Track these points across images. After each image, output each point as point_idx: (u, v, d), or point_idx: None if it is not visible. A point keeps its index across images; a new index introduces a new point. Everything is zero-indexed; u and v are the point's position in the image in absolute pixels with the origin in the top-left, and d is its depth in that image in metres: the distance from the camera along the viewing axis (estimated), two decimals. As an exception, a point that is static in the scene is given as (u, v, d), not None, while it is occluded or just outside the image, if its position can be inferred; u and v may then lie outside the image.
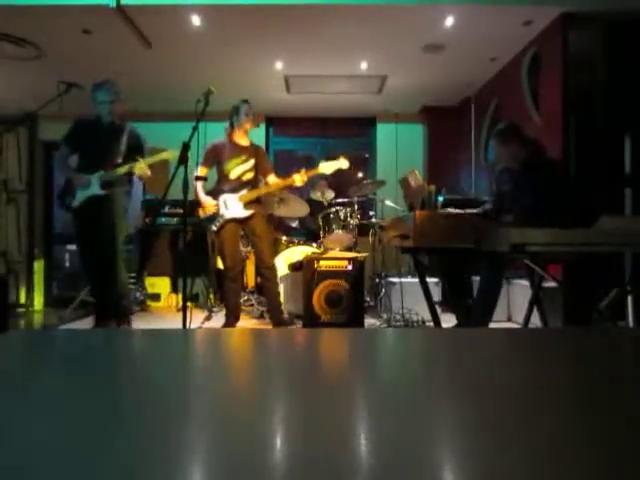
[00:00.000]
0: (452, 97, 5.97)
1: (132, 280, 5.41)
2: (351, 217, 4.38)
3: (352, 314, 3.86)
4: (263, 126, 6.52)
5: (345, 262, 3.90)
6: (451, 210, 2.77)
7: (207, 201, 3.76)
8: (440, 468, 0.49)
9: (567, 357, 1.03)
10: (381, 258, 5.17)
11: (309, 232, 5.14)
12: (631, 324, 2.87)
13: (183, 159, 2.86)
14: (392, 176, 5.24)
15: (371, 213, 5.18)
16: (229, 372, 0.92)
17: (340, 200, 4.85)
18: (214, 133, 4.05)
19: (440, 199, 2.76)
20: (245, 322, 4.41)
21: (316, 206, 4.82)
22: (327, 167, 3.81)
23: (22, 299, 6.12)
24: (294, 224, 5.33)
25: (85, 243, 3.51)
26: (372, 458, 0.51)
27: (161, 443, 0.53)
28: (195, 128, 2.94)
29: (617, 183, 3.59)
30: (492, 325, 3.05)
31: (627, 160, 3.53)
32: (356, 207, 4.50)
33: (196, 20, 4.00)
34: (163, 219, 5.60)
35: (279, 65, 4.96)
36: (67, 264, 5.83)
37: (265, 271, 3.86)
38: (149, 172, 3.42)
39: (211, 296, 5.21)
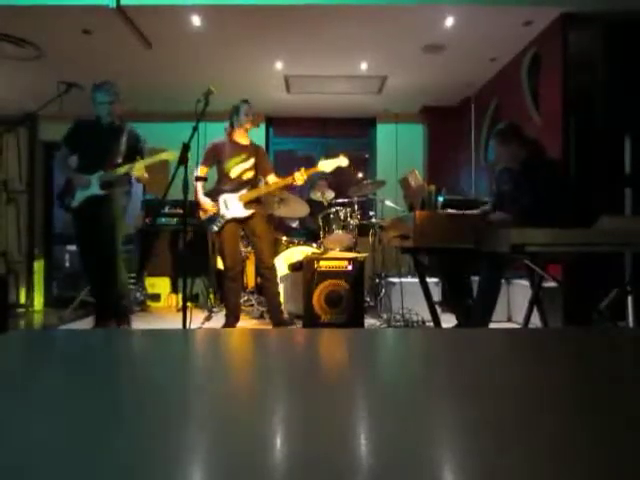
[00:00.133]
0: (452, 97, 5.97)
1: (132, 280, 5.41)
2: (351, 217, 4.38)
3: (352, 314, 3.86)
4: (263, 126, 6.52)
5: (345, 262, 3.90)
6: (452, 211, 2.77)
7: (206, 203, 3.77)
8: (440, 468, 0.49)
9: (567, 357, 1.03)
10: (381, 258, 5.17)
11: (309, 232, 5.14)
12: (631, 324, 2.87)
13: (183, 159, 2.87)
14: (392, 176, 5.24)
15: (371, 213, 5.18)
16: (229, 372, 0.92)
17: (340, 200, 4.85)
18: (214, 133, 4.05)
19: (440, 199, 2.76)
20: (245, 322, 4.41)
21: (316, 206, 4.82)
22: (327, 165, 3.82)
23: (22, 299, 6.13)
24: (294, 224, 5.33)
25: (85, 243, 3.51)
26: (372, 458, 0.51)
27: (161, 443, 0.53)
28: (195, 128, 2.94)
29: (617, 183, 3.59)
30: (492, 325, 3.05)
31: (627, 160, 3.53)
32: (356, 207, 4.50)
33: (196, 20, 4.00)
34: (163, 219, 5.60)
35: (279, 65, 4.96)
36: (67, 264, 5.83)
37: (265, 271, 3.86)
38: (146, 175, 3.42)
39: (211, 296, 5.21)
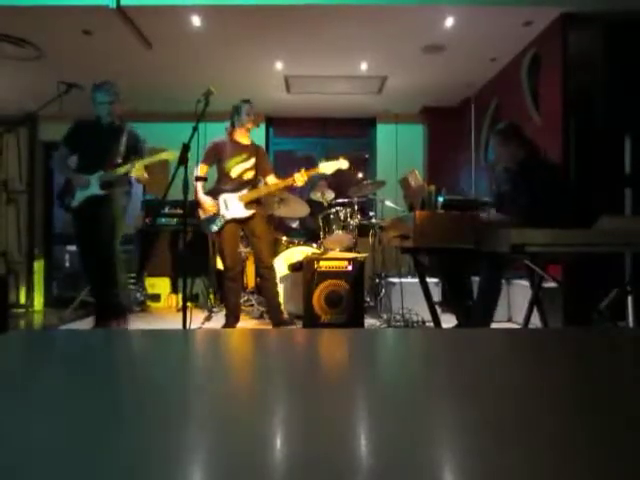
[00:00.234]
0: (452, 97, 5.97)
1: (132, 280, 5.41)
2: (351, 217, 4.38)
3: (352, 314, 3.86)
4: (263, 126, 6.52)
5: (345, 262, 3.90)
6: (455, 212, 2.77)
7: (207, 202, 3.77)
8: (440, 468, 0.49)
9: (567, 357, 1.03)
10: (381, 258, 5.17)
11: (309, 232, 5.14)
12: (631, 324, 2.87)
13: (183, 160, 2.87)
14: (392, 176, 5.24)
15: (371, 213, 5.18)
16: (229, 372, 0.92)
17: (340, 200, 4.85)
18: (214, 133, 4.05)
19: (440, 199, 2.76)
20: (245, 322, 4.42)
21: (316, 206, 4.82)
22: (327, 167, 3.82)
23: (22, 299, 6.13)
24: (294, 224, 5.34)
25: (85, 243, 3.51)
26: (372, 458, 0.51)
27: (161, 443, 0.53)
28: (195, 128, 2.94)
29: (617, 183, 3.59)
30: (492, 325, 3.05)
31: (627, 160, 3.53)
32: (356, 207, 4.50)
33: (196, 20, 4.00)
34: (163, 219, 5.60)
35: (279, 65, 4.96)
36: (67, 264, 5.83)
37: (264, 271, 3.86)
38: (146, 175, 3.42)
39: (211, 296, 5.21)
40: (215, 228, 3.80)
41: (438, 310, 3.08)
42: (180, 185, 2.87)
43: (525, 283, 3.81)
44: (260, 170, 3.93)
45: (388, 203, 4.98)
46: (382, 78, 5.33)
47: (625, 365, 0.97)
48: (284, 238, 4.82)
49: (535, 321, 3.15)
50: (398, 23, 4.06)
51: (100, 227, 3.37)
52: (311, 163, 6.88)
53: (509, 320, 4.42)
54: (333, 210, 4.39)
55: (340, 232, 4.29)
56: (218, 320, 4.30)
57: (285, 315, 4.06)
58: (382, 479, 0.45)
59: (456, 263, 3.27)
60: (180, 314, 2.89)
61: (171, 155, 3.32)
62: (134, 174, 3.36)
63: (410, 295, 4.14)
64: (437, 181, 3.23)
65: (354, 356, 1.06)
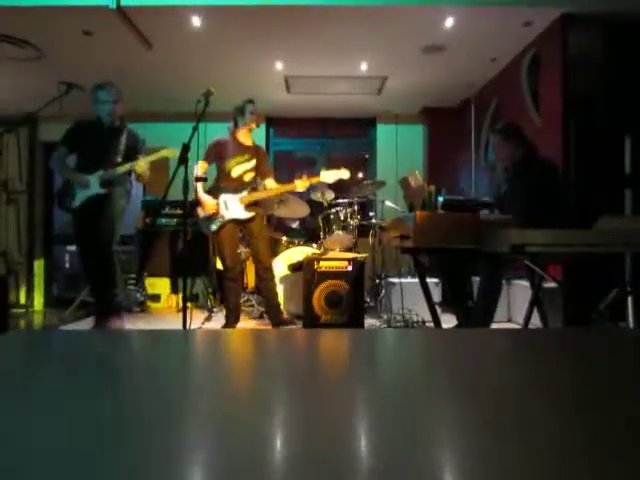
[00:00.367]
0: (452, 98, 5.97)
1: (132, 281, 5.41)
2: (351, 218, 4.38)
3: (352, 315, 3.86)
4: (263, 126, 6.51)
5: (345, 263, 3.90)
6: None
7: (207, 200, 3.77)
8: (440, 468, 0.49)
9: (567, 357, 1.03)
10: (381, 259, 5.17)
11: (309, 233, 5.14)
12: (631, 324, 2.87)
13: (183, 160, 2.87)
14: (392, 177, 5.24)
15: (371, 214, 5.18)
16: (229, 373, 0.92)
17: (340, 201, 4.85)
18: (214, 134, 4.05)
19: (440, 199, 2.76)
20: (245, 323, 4.42)
21: (316, 207, 4.82)
22: (328, 176, 3.86)
23: (22, 299, 6.13)
24: (294, 225, 5.34)
25: (85, 243, 3.50)
26: (372, 458, 0.51)
27: (161, 443, 0.53)
28: (195, 129, 2.94)
29: (617, 183, 3.59)
30: (492, 326, 3.05)
31: (627, 160, 3.53)
32: (356, 208, 4.50)
33: (196, 21, 4.00)
34: (163, 220, 5.60)
35: (279, 66, 4.96)
36: (67, 265, 5.83)
37: (263, 272, 3.86)
38: (148, 172, 3.42)
39: (211, 297, 5.21)
40: (214, 228, 3.80)
41: (438, 310, 3.08)
42: (180, 185, 2.87)
43: (525, 283, 3.81)
44: (260, 172, 3.94)
45: (388, 203, 4.98)
46: (382, 78, 5.33)
47: (625, 365, 0.97)
48: (284, 238, 4.82)
49: (535, 321, 3.15)
50: (398, 23, 4.06)
51: (100, 227, 3.37)
52: (311, 163, 6.92)
53: (509, 320, 4.42)
54: (333, 210, 4.38)
55: (340, 232, 4.29)
56: (218, 320, 4.30)
57: (285, 315, 4.06)
58: (382, 479, 0.45)
59: (456, 263, 3.27)
60: (180, 314, 2.89)
61: (172, 152, 3.33)
62: (138, 170, 3.36)
63: (410, 295, 4.14)
64: (437, 181, 3.23)
65: (354, 356, 1.06)
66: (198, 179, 3.68)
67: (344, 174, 3.88)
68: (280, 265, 4.47)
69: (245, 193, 3.80)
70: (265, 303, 4.09)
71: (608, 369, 0.90)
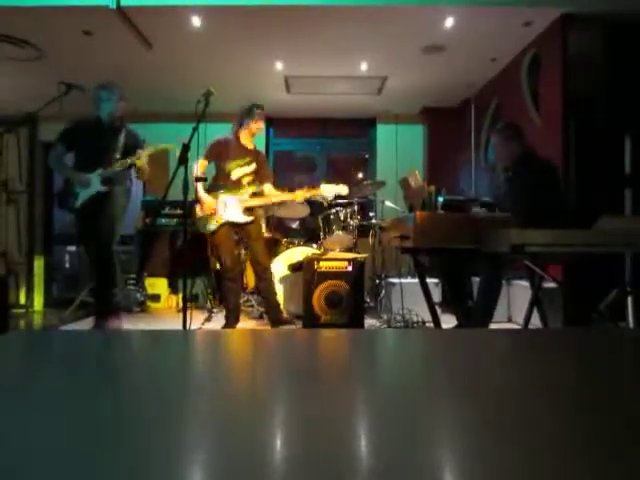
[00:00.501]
0: (452, 98, 5.97)
1: (132, 281, 5.41)
2: (351, 218, 4.38)
3: (352, 315, 3.86)
4: (263, 127, 6.51)
5: (345, 263, 3.90)
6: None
7: (207, 200, 3.77)
8: (440, 468, 0.49)
9: (567, 357, 1.03)
10: (381, 259, 5.17)
11: (309, 233, 5.14)
12: (631, 325, 2.87)
13: (183, 160, 2.87)
14: (392, 177, 5.24)
15: (371, 214, 5.18)
16: (229, 373, 0.92)
17: (340, 201, 4.85)
18: (214, 134, 4.05)
19: (440, 200, 2.76)
20: (245, 323, 4.41)
21: (316, 207, 4.82)
22: (328, 190, 3.93)
23: (22, 300, 6.13)
24: (294, 225, 5.34)
25: (89, 242, 3.51)
26: (372, 458, 0.51)
27: (161, 443, 0.53)
28: (195, 129, 2.94)
29: (617, 183, 3.59)
30: (492, 326, 3.05)
31: (627, 160, 3.53)
32: (356, 208, 4.50)
33: (196, 21, 4.00)
34: (163, 220, 5.60)
35: (279, 66, 4.96)
36: (67, 265, 5.84)
37: (262, 272, 3.87)
38: (148, 167, 3.43)
39: (210, 297, 5.21)
40: (212, 228, 3.80)
41: (438, 310, 3.09)
42: (180, 185, 2.87)
43: (525, 283, 3.81)
44: (259, 176, 3.95)
45: (388, 203, 4.98)
46: (382, 78, 5.33)
47: (625, 365, 0.97)
48: (284, 239, 4.82)
49: (535, 321, 3.15)
50: (398, 23, 4.06)
51: (100, 226, 3.37)
52: (311, 164, 6.92)
53: (509, 320, 4.42)
54: (333, 210, 4.39)
55: (340, 232, 4.29)
56: (218, 321, 4.30)
57: (285, 315, 4.06)
58: (382, 479, 0.45)
59: (456, 263, 3.27)
60: (180, 314, 2.89)
61: (171, 146, 3.36)
62: (138, 164, 3.36)
63: (410, 295, 4.14)
64: (437, 181, 3.24)
65: (354, 356, 1.06)
66: (198, 179, 3.68)
67: (343, 190, 3.96)
68: (280, 265, 4.47)
69: (246, 197, 3.81)
70: (264, 303, 4.09)
71: (608, 369, 0.90)
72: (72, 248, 5.76)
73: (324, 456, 0.50)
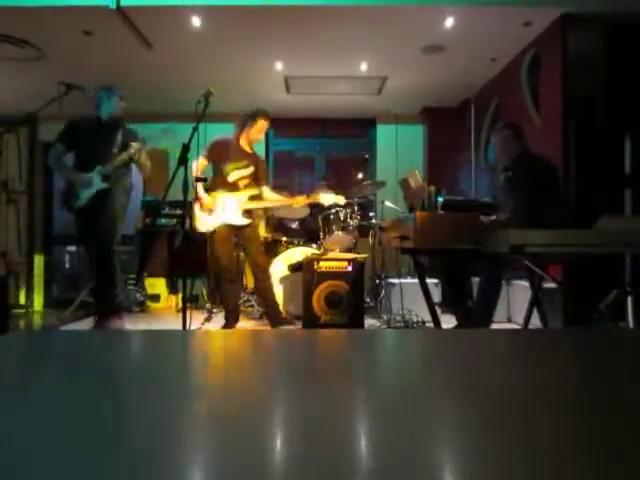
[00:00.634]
0: (452, 98, 5.97)
1: (132, 281, 5.41)
2: (351, 218, 4.38)
3: (352, 315, 3.86)
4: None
5: (345, 263, 3.90)
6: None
7: (207, 199, 3.76)
8: (440, 468, 0.49)
9: (567, 357, 1.03)
10: (381, 259, 5.17)
11: (309, 233, 5.14)
12: (631, 325, 2.87)
13: (183, 160, 2.87)
14: (392, 177, 5.24)
15: (371, 214, 5.18)
16: (229, 373, 0.92)
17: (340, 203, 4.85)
18: (214, 134, 4.05)
19: (440, 200, 2.76)
20: (245, 323, 4.42)
21: (316, 207, 4.81)
22: (326, 198, 3.95)
23: (22, 300, 6.13)
24: (294, 225, 5.33)
25: (90, 241, 3.51)
26: (372, 458, 0.51)
27: (161, 443, 0.53)
28: (195, 129, 2.94)
29: (617, 183, 3.59)
30: (492, 326, 3.05)
31: (627, 160, 3.53)
32: (356, 208, 4.50)
33: (196, 21, 4.00)
34: (163, 220, 5.60)
35: (279, 66, 4.96)
36: (67, 265, 5.83)
37: (261, 273, 3.88)
38: (149, 162, 3.44)
39: (210, 297, 5.21)
40: (210, 228, 3.80)
41: (438, 311, 3.09)
42: (180, 185, 2.87)
43: (525, 283, 3.81)
44: (256, 180, 3.96)
45: (388, 204, 4.98)
46: (382, 78, 5.33)
47: (625, 365, 0.97)
48: (284, 239, 4.82)
49: (535, 321, 3.15)
50: (398, 23, 4.06)
51: (99, 225, 3.37)
52: (311, 164, 6.91)
53: (509, 320, 4.42)
54: (333, 211, 4.38)
55: (340, 233, 4.29)
56: (218, 321, 4.30)
57: (284, 315, 4.06)
58: (382, 479, 0.45)
59: (456, 264, 3.27)
60: (179, 315, 2.89)
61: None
62: (139, 160, 3.37)
63: (410, 296, 4.14)
64: (437, 182, 3.23)
65: (354, 356, 1.06)
66: (198, 179, 3.67)
67: (340, 200, 4.00)
68: (280, 265, 4.46)
69: (245, 199, 3.81)
70: (263, 304, 4.09)
71: (608, 369, 0.90)
72: (72, 248, 5.76)
73: (324, 456, 0.50)
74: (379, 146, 6.65)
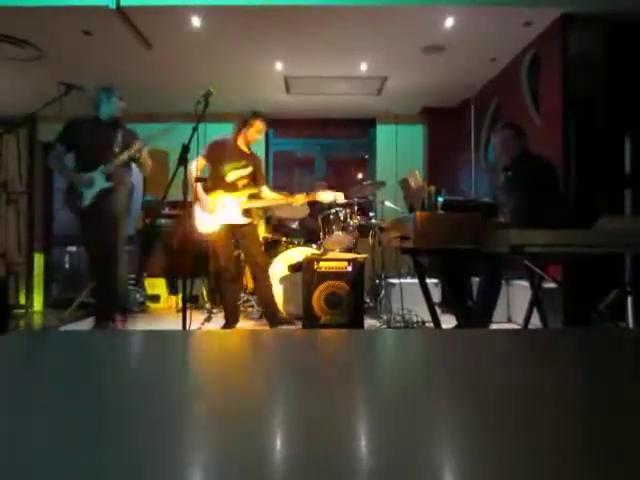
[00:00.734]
0: (452, 98, 5.97)
1: (132, 281, 5.41)
2: (351, 218, 4.38)
3: (352, 315, 3.86)
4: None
5: (345, 263, 3.90)
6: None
7: (206, 199, 3.76)
8: (440, 468, 0.49)
9: (567, 357, 1.03)
10: (381, 259, 5.17)
11: (309, 233, 5.14)
12: (631, 325, 2.87)
13: (182, 161, 2.87)
14: (392, 177, 5.24)
15: (371, 214, 5.18)
16: (229, 373, 0.92)
17: (340, 201, 4.84)
18: (214, 134, 4.05)
19: (440, 200, 2.76)
20: (245, 323, 4.41)
21: (316, 207, 4.82)
22: (325, 197, 3.97)
23: (22, 300, 6.13)
24: (294, 225, 5.33)
25: (92, 242, 3.51)
26: (372, 458, 0.51)
27: (161, 443, 0.53)
28: (195, 129, 2.94)
29: (617, 183, 3.59)
30: (492, 326, 3.05)
31: (627, 160, 3.53)
32: (356, 208, 4.50)
33: (196, 21, 4.00)
34: (163, 220, 5.60)
35: (279, 66, 4.96)
36: (67, 265, 5.83)
37: (260, 273, 3.87)
38: (150, 161, 3.43)
39: (210, 297, 5.20)
40: (210, 229, 3.80)
41: (438, 311, 3.08)
42: (180, 185, 2.87)
43: (525, 283, 3.81)
44: (255, 179, 3.96)
45: (388, 204, 4.98)
46: (382, 79, 5.33)
47: (625, 365, 0.97)
48: (284, 239, 4.82)
49: (535, 321, 3.15)
50: (398, 23, 4.06)
51: (105, 224, 3.37)
52: (311, 164, 6.91)
53: (509, 320, 4.42)
54: (333, 211, 4.38)
55: (340, 233, 4.29)
56: (218, 321, 4.30)
57: (284, 315, 4.06)
58: (382, 479, 0.45)
59: (456, 264, 3.27)
60: (179, 315, 2.89)
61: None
62: (140, 158, 3.38)
63: (410, 296, 4.14)
64: (437, 182, 3.23)
65: (354, 357, 1.06)
66: (198, 179, 3.67)
67: (339, 197, 4.01)
68: (280, 266, 4.46)
69: (244, 199, 3.81)
70: (262, 304, 4.09)
71: (608, 369, 0.90)
72: (72, 248, 5.76)
73: (324, 456, 0.50)
74: (379, 146, 6.65)
